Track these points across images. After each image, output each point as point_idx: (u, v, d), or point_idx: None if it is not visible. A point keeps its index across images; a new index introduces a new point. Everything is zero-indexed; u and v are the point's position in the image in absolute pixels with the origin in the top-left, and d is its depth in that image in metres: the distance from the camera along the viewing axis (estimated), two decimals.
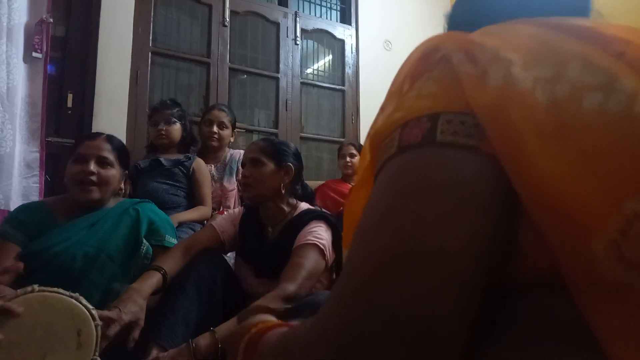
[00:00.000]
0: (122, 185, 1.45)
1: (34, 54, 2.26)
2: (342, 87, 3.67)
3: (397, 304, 0.30)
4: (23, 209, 1.40)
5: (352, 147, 2.89)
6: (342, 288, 0.34)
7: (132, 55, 2.76)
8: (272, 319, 0.60)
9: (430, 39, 0.43)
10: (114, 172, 1.39)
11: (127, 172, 1.47)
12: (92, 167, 1.33)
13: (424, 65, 0.43)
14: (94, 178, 1.33)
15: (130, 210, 1.42)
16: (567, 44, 0.36)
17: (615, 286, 0.29)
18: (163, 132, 2.08)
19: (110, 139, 1.43)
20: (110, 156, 1.38)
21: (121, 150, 1.44)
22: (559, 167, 0.31)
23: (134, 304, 1.16)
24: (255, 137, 3.18)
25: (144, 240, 1.39)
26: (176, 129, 2.11)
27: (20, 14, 2.23)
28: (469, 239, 0.32)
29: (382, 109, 0.46)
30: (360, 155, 0.51)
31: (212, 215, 2.07)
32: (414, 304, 0.30)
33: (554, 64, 0.35)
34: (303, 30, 3.51)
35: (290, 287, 1.24)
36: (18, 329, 0.87)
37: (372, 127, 0.46)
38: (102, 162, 1.36)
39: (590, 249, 0.29)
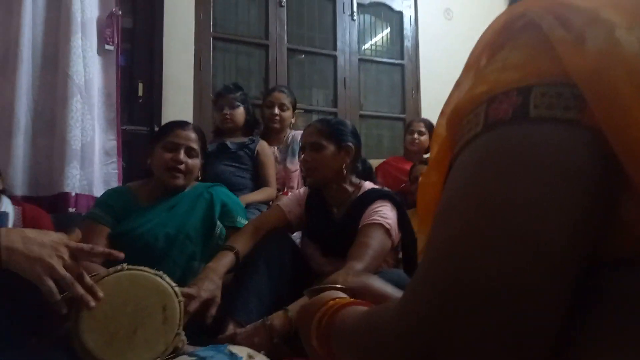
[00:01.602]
0: (199, 173, 1.55)
1: (107, 47, 2.39)
2: (401, 62, 3.57)
3: (488, 278, 0.30)
4: (110, 193, 1.53)
5: (422, 125, 2.77)
6: (430, 266, 0.34)
7: (194, 42, 2.84)
8: (343, 296, 0.60)
9: (514, 7, 0.40)
10: (198, 162, 1.49)
11: (204, 160, 1.57)
12: (182, 156, 1.43)
13: (505, 35, 0.40)
14: (182, 167, 1.43)
15: (204, 193, 1.50)
16: None
17: None
18: (228, 116, 2.15)
19: (196, 129, 1.52)
20: (197, 147, 1.48)
21: (203, 141, 1.53)
22: None
23: (211, 282, 1.23)
24: (314, 117, 3.19)
25: (218, 222, 1.47)
26: (240, 112, 2.17)
27: (92, 9, 2.36)
28: (564, 215, 0.30)
29: (458, 84, 0.44)
30: (433, 135, 0.49)
31: (276, 196, 2.12)
32: (506, 278, 0.29)
33: None
34: (360, 5, 3.43)
35: (358, 266, 1.25)
36: (111, 304, 0.95)
37: (447, 104, 0.43)
38: (190, 152, 1.46)
39: None
